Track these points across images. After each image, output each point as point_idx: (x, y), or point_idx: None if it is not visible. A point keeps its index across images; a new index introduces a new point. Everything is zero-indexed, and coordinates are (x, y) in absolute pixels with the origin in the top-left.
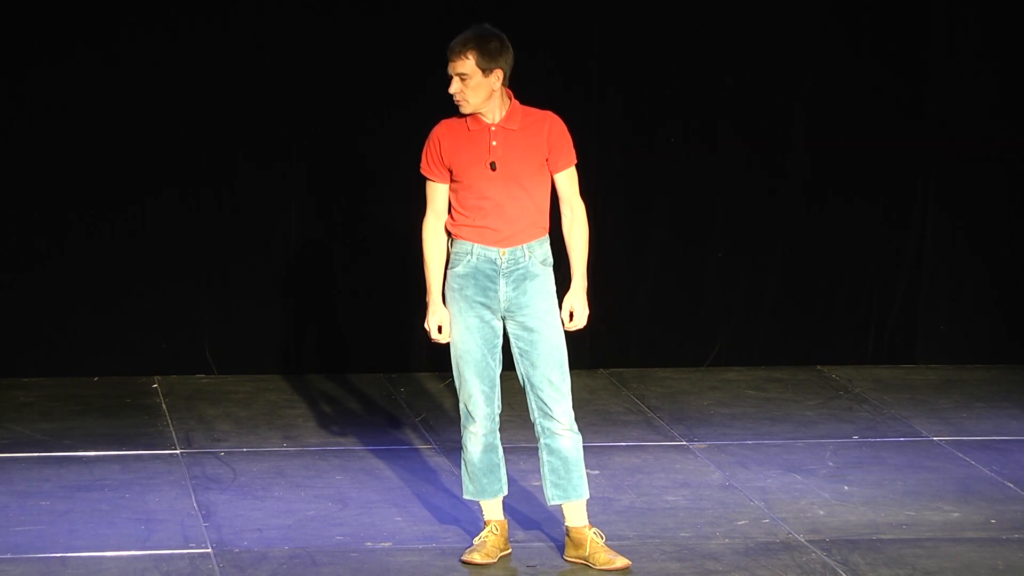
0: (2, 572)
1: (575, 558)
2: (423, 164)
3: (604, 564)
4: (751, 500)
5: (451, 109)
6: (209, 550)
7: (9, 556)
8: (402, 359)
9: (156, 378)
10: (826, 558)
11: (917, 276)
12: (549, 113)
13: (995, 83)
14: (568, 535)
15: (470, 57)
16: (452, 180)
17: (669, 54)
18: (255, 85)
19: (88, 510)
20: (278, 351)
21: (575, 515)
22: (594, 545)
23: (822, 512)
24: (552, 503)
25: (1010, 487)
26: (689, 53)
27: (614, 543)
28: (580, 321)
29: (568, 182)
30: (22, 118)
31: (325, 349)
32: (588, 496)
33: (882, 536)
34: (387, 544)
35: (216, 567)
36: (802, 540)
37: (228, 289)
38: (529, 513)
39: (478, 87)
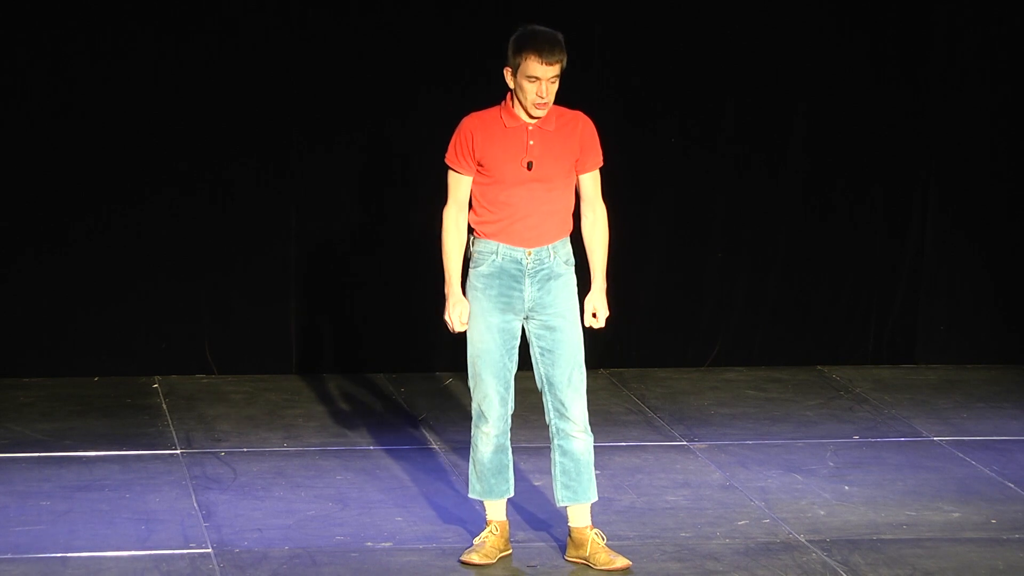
0: (2, 572)
1: (576, 558)
2: (451, 154)
3: (604, 564)
4: (751, 500)
5: (456, 110)
6: (209, 550)
7: (9, 556)
8: (403, 359)
9: (156, 378)
10: (826, 558)
11: (917, 276)
12: (580, 113)
13: (995, 84)
14: (570, 535)
15: (562, 58)
16: (481, 175)
17: (670, 54)
18: (255, 84)
19: (88, 510)
20: (278, 351)
21: (579, 516)
22: (595, 545)
23: (822, 512)
24: (561, 504)
25: (1010, 487)
26: (689, 53)
27: (614, 543)
28: (602, 321)
29: (592, 183)
30: (21, 118)
31: (325, 349)
32: (596, 498)
33: (882, 536)
34: (387, 544)
35: (216, 567)
36: (802, 540)
37: (228, 289)
38: (531, 513)
39: (554, 91)
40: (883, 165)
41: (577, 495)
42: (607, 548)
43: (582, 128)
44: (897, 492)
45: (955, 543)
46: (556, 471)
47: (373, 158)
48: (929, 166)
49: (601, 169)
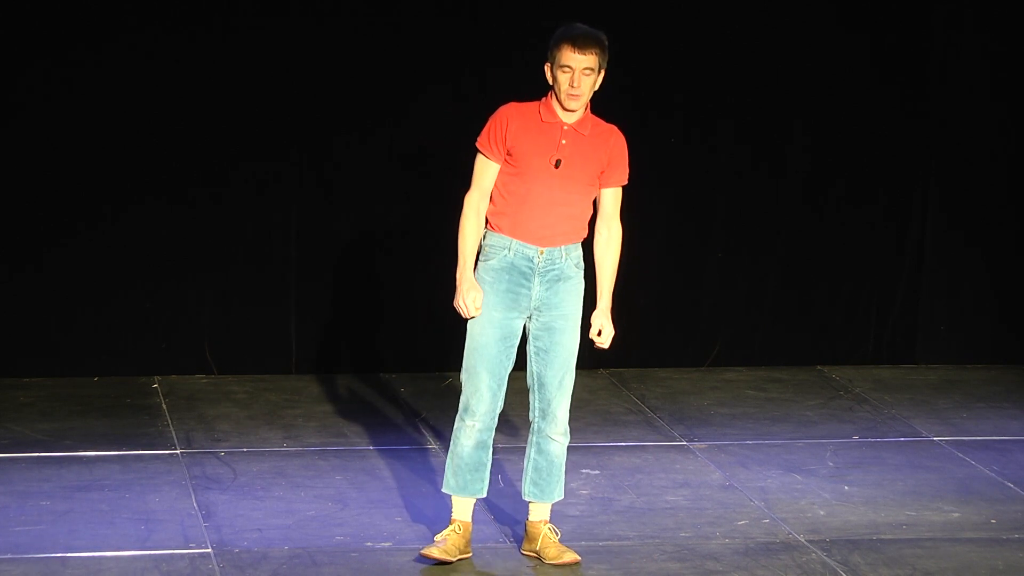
0: (2, 572)
1: (529, 551)
2: (483, 138)
3: (553, 559)
4: (751, 500)
5: (457, 111)
6: (209, 550)
7: (9, 556)
8: (402, 359)
9: (156, 378)
10: (826, 558)
11: (917, 276)
12: (615, 127)
13: (995, 84)
14: (526, 528)
15: (598, 53)
16: (508, 164)
17: (669, 54)
18: (256, 84)
19: (88, 510)
20: (278, 351)
21: (539, 511)
22: (546, 540)
23: (822, 512)
24: (526, 499)
25: (1010, 487)
26: (689, 53)
27: (614, 543)
28: (607, 340)
29: (613, 199)
30: (21, 118)
31: (325, 349)
32: (562, 497)
33: (882, 536)
34: (387, 544)
35: (216, 567)
36: (802, 540)
37: (228, 289)
38: (525, 514)
39: (592, 85)
40: (883, 165)
41: (544, 493)
42: (558, 543)
43: (614, 142)
44: (897, 492)
45: (955, 543)
46: (528, 466)
47: (373, 158)
48: (929, 166)
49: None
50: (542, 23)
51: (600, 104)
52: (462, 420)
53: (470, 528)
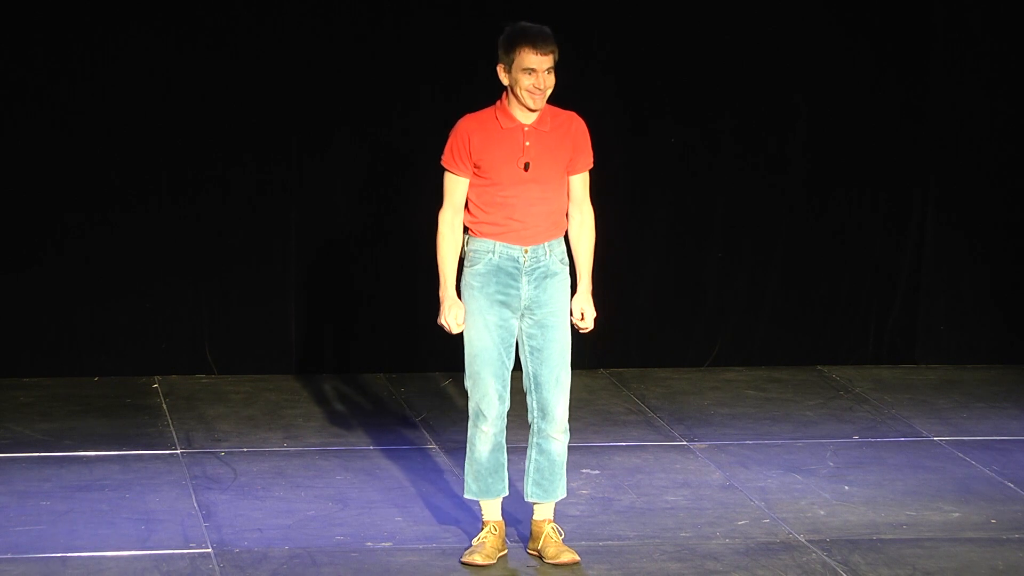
0: (2, 572)
1: (532, 551)
2: (447, 157)
3: (551, 558)
4: (751, 500)
5: (457, 110)
6: (209, 550)
7: (9, 556)
8: (403, 359)
9: (156, 378)
10: (826, 558)
11: (917, 276)
12: (573, 114)
13: (995, 84)
14: (531, 528)
15: (555, 49)
16: (477, 177)
17: (669, 54)
18: (255, 84)
19: (88, 510)
20: (278, 351)
21: (543, 511)
22: (547, 539)
23: (822, 512)
24: (529, 500)
25: (1010, 487)
26: (689, 53)
27: (614, 543)
28: (590, 323)
29: (582, 184)
30: (21, 117)
31: (325, 349)
32: (565, 495)
33: (882, 536)
34: (387, 544)
35: (216, 567)
36: (802, 540)
37: (228, 289)
38: (530, 513)
39: (552, 83)
40: (883, 165)
41: (547, 493)
42: (558, 542)
43: (575, 129)
44: (897, 492)
45: (955, 543)
46: (530, 467)
47: (373, 158)
48: (929, 166)
49: (601, 170)
50: (541, 23)
51: (601, 105)
52: (476, 426)
53: (504, 526)
